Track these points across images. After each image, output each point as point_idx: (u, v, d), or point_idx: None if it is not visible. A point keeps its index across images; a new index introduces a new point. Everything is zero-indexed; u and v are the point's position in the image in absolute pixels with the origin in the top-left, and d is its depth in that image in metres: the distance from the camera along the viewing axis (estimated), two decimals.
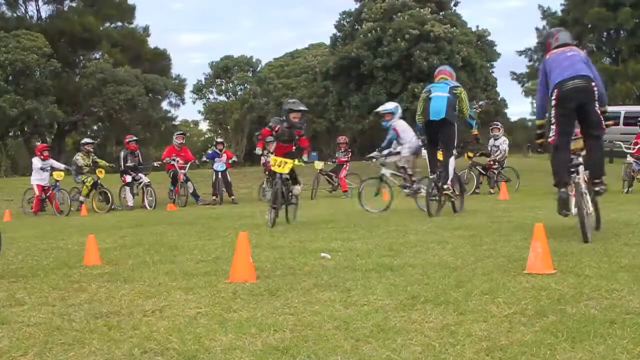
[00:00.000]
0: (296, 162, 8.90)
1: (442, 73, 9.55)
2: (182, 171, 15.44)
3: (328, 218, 9.04)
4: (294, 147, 8.84)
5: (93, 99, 35.89)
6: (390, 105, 11.13)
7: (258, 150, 9.42)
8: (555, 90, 5.71)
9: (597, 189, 5.91)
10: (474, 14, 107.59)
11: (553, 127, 5.78)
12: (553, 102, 5.75)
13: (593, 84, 5.73)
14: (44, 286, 4.52)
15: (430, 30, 21.69)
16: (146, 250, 6.27)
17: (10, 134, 36.55)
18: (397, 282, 4.17)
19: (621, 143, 15.36)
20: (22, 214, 14.62)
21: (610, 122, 6.12)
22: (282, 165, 8.33)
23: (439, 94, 8.87)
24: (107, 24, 42.50)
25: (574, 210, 5.75)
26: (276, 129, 8.58)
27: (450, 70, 9.71)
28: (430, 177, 9.01)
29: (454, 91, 8.92)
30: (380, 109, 11.01)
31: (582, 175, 5.83)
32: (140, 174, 15.40)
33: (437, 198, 8.90)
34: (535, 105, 6.60)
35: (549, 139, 5.90)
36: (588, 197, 5.80)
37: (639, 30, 40.90)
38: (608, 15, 40.62)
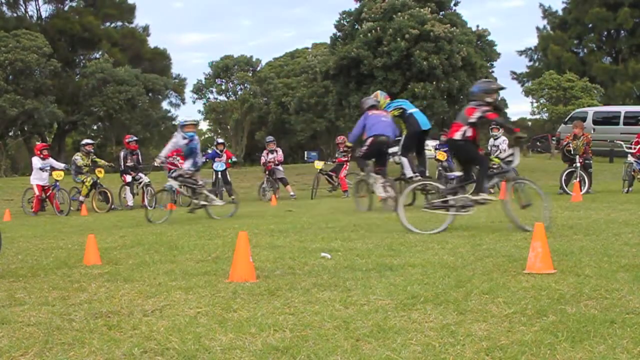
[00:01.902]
0: None
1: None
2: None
3: (328, 218, 9.04)
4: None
5: (93, 99, 35.88)
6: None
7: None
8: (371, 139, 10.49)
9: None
10: (474, 14, 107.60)
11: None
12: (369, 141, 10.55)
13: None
14: (44, 286, 4.52)
15: (430, 30, 21.66)
16: (146, 250, 6.27)
17: (10, 133, 36.53)
18: (397, 282, 4.17)
19: (622, 142, 15.36)
20: (22, 213, 14.62)
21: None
22: None
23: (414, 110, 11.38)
24: (107, 24, 42.50)
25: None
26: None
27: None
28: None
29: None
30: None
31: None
32: (140, 174, 15.41)
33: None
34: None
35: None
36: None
37: (639, 30, 40.93)
38: (608, 15, 40.66)
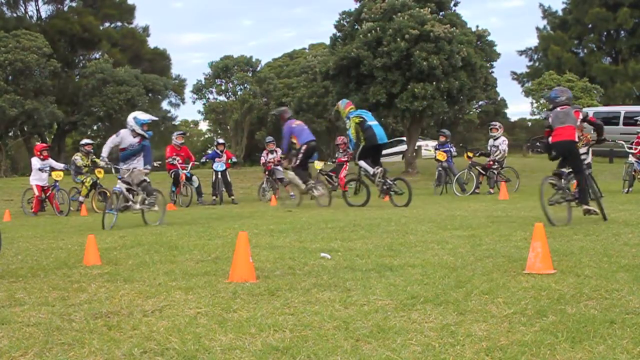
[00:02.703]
0: None
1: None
2: (184, 171, 15.45)
3: (328, 218, 9.04)
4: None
5: (93, 99, 35.86)
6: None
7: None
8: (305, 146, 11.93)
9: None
10: (474, 14, 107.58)
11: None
12: (304, 148, 11.96)
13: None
14: (44, 286, 4.52)
15: (430, 30, 21.65)
16: (146, 250, 6.27)
17: (10, 134, 36.50)
18: (397, 282, 4.17)
19: (623, 142, 15.36)
20: (22, 214, 14.62)
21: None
22: None
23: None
24: (107, 24, 42.47)
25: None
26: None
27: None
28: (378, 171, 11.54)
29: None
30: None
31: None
32: None
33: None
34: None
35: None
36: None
37: (639, 30, 40.95)
38: (608, 15, 40.68)
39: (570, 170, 7.77)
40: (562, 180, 7.71)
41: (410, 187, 11.52)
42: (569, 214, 7.59)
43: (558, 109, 7.78)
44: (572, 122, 7.59)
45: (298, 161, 11.94)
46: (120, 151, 9.79)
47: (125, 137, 9.68)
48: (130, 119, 9.79)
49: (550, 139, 7.79)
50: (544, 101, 34.43)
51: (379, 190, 11.77)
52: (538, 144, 33.03)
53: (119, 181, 9.74)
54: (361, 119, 11.53)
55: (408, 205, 11.07)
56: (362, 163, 11.71)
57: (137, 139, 9.66)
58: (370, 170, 11.54)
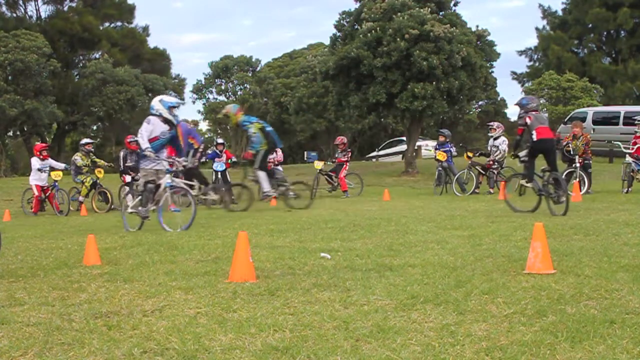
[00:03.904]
0: None
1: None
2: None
3: (328, 218, 9.04)
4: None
5: (93, 99, 35.86)
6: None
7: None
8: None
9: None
10: (474, 14, 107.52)
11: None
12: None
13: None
14: (44, 286, 4.52)
15: (430, 30, 21.64)
16: (146, 250, 6.27)
17: (10, 133, 36.50)
18: (397, 282, 4.17)
19: (620, 143, 15.36)
20: (22, 214, 14.61)
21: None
22: None
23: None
24: (107, 24, 42.45)
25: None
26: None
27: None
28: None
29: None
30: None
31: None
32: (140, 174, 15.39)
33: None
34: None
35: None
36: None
37: (639, 30, 40.94)
38: (608, 15, 40.65)
39: (549, 167, 9.19)
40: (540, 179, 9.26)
41: (312, 191, 12.38)
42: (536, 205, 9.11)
43: (533, 112, 9.09)
44: (547, 124, 9.09)
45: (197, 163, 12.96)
46: (150, 142, 8.63)
47: (156, 124, 8.68)
48: (155, 102, 8.87)
49: (534, 136, 8.95)
50: (544, 101, 34.44)
51: (276, 193, 12.04)
52: None
53: (168, 175, 8.68)
54: (262, 125, 11.91)
55: (308, 207, 11.58)
56: (261, 174, 11.76)
57: (166, 127, 8.73)
58: (266, 188, 11.69)
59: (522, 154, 9.57)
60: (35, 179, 14.38)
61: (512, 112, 59.21)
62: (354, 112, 24.81)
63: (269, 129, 11.99)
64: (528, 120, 9.12)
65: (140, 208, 8.71)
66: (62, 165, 14.92)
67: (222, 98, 40.79)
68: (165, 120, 8.70)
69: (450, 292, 3.83)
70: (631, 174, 13.36)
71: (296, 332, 3.11)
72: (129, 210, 8.90)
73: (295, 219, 9.12)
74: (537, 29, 48.42)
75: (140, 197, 8.77)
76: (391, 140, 37.18)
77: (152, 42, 48.65)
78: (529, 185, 9.42)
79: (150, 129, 8.63)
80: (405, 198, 15.07)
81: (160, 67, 43.44)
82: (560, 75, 34.37)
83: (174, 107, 8.84)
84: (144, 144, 8.55)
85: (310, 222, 8.41)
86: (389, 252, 5.49)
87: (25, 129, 35.36)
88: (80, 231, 8.88)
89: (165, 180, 8.66)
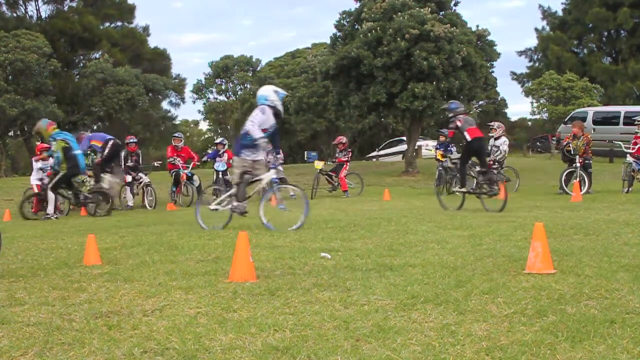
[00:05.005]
0: None
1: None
2: (185, 171, 15.46)
3: (328, 218, 9.04)
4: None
5: (93, 99, 35.88)
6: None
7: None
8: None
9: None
10: (474, 14, 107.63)
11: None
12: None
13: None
14: (44, 286, 4.52)
15: (430, 30, 21.63)
16: (146, 250, 6.27)
17: (10, 133, 36.50)
18: (397, 282, 4.17)
19: (621, 143, 15.36)
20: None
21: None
22: None
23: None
24: (107, 24, 42.49)
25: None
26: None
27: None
28: None
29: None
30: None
31: None
32: (140, 174, 15.41)
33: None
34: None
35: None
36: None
37: (639, 30, 40.95)
38: (608, 15, 40.67)
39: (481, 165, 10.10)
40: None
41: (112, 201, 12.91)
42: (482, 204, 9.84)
43: (462, 115, 10.12)
44: (475, 125, 10.32)
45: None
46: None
47: (269, 116, 7.98)
48: (270, 92, 8.13)
49: (467, 136, 9.90)
50: (545, 101, 34.45)
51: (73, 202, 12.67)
52: (538, 143, 33.05)
53: (273, 170, 8.22)
54: (67, 144, 11.89)
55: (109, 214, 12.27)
56: (50, 195, 12.19)
57: (274, 120, 8.08)
58: (51, 210, 12.02)
59: (455, 157, 10.50)
60: (36, 179, 14.37)
61: (513, 112, 59.20)
62: (354, 112, 24.80)
63: (77, 152, 12.01)
64: (459, 123, 9.94)
65: (235, 203, 8.06)
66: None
67: (222, 98, 40.82)
68: (276, 114, 8.07)
69: (450, 292, 3.83)
70: (632, 173, 13.36)
71: (296, 332, 3.11)
72: (212, 206, 8.26)
73: (294, 219, 9.09)
74: (536, 29, 48.46)
75: (229, 192, 8.22)
76: (391, 140, 37.18)
77: (152, 42, 48.70)
78: (462, 190, 10.18)
79: (264, 120, 7.95)
80: (405, 198, 15.08)
81: (161, 67, 43.47)
82: (560, 75, 34.39)
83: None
84: (257, 133, 7.84)
85: (311, 222, 8.41)
86: (389, 252, 5.49)
87: (26, 129, 35.36)
88: (81, 231, 8.87)
89: (271, 175, 8.12)
